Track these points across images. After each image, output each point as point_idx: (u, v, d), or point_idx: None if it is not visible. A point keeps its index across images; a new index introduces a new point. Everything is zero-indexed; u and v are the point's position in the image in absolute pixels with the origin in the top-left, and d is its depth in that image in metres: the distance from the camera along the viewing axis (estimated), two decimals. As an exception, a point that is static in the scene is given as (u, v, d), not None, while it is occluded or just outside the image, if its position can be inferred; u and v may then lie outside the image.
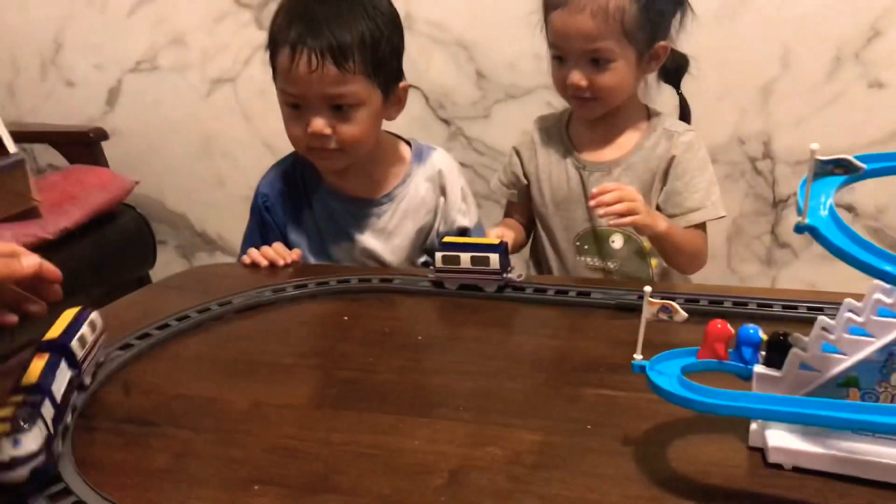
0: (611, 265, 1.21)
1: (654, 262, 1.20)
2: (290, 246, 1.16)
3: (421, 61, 1.68)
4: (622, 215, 1.02)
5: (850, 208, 1.55)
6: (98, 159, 1.89)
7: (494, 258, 0.94)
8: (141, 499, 0.58)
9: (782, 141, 1.53)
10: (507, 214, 1.31)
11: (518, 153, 1.27)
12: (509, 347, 0.83)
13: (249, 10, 1.80)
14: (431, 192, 1.21)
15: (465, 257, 0.94)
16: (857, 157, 0.53)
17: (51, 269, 0.74)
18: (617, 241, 1.19)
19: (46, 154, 2.07)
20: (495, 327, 0.88)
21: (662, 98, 1.25)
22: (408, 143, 1.24)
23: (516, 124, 1.62)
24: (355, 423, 0.68)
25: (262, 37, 1.78)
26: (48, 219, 1.60)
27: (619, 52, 1.11)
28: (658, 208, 1.19)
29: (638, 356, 0.59)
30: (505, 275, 0.94)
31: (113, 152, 1.93)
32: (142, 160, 1.99)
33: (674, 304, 0.57)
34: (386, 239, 1.19)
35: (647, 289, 0.58)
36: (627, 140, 1.20)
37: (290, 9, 1.09)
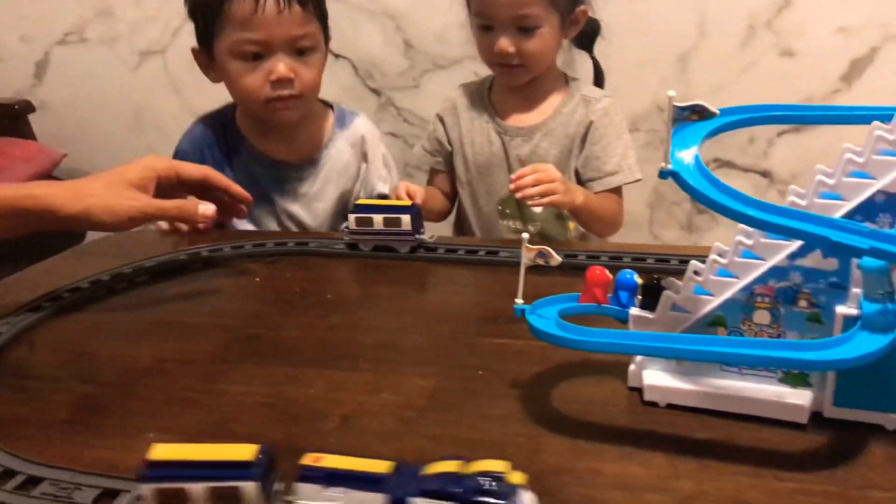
0: (532, 228, 1.24)
1: (571, 225, 1.24)
2: None
3: (349, 31, 1.69)
4: (542, 195, 1.05)
5: (765, 174, 1.60)
6: (25, 132, 1.87)
7: (406, 219, 0.95)
8: (34, 449, 0.59)
9: (700, 108, 1.56)
10: (431, 182, 1.33)
11: (442, 120, 1.29)
12: (415, 304, 0.85)
13: (176, -20, 1.78)
14: (353, 157, 1.22)
15: (378, 219, 0.96)
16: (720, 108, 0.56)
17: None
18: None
19: (-27, 128, 2.03)
20: (404, 286, 0.90)
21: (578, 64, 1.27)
22: (330, 106, 1.25)
23: (445, 94, 1.64)
24: (255, 376, 0.69)
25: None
26: (-28, 192, 1.58)
27: (544, 18, 1.14)
28: (577, 172, 1.22)
29: (519, 301, 0.62)
30: (417, 236, 0.96)
31: (42, 126, 1.91)
32: (72, 133, 1.96)
33: (548, 248, 0.60)
34: (308, 203, 1.20)
35: (525, 235, 0.60)
36: (547, 106, 1.23)
37: None
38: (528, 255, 0.60)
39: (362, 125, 1.25)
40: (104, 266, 0.92)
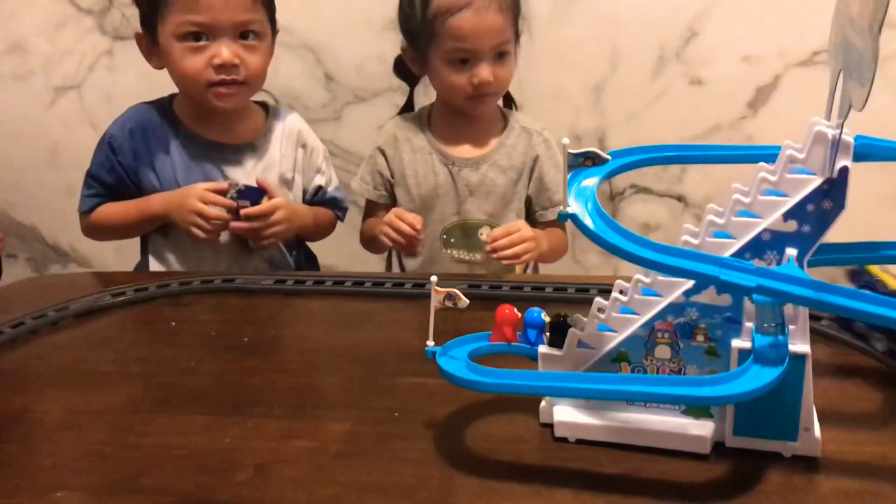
0: (477, 256, 1.25)
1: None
2: (139, 187, 1.17)
3: (270, 65, 1.68)
4: (517, 256, 1.13)
5: (680, 198, 1.65)
6: (-66, 171, 1.80)
7: None
8: (-67, 515, 0.57)
9: (616, 137, 1.61)
10: (369, 214, 1.33)
11: (383, 153, 1.29)
12: (333, 343, 0.85)
13: (90, 15, 1.75)
14: (290, 148, 1.25)
15: None
16: (609, 153, 0.58)
17: None
18: (485, 233, 1.24)
19: None
20: (323, 324, 0.90)
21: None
22: (262, 104, 1.28)
23: (367, 126, 1.65)
24: (168, 426, 0.68)
25: (105, 42, 1.77)
26: None
27: (513, 43, 1.19)
28: (528, 200, 1.26)
29: (430, 343, 0.62)
30: None
31: (-48, 164, 1.85)
32: (-15, 171, 1.91)
33: (457, 291, 0.61)
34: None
35: (434, 278, 0.61)
36: (488, 136, 1.26)
37: None
38: (436, 298, 0.61)
39: (298, 120, 1.28)
40: (11, 314, 0.90)
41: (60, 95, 1.83)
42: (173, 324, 0.90)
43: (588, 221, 0.57)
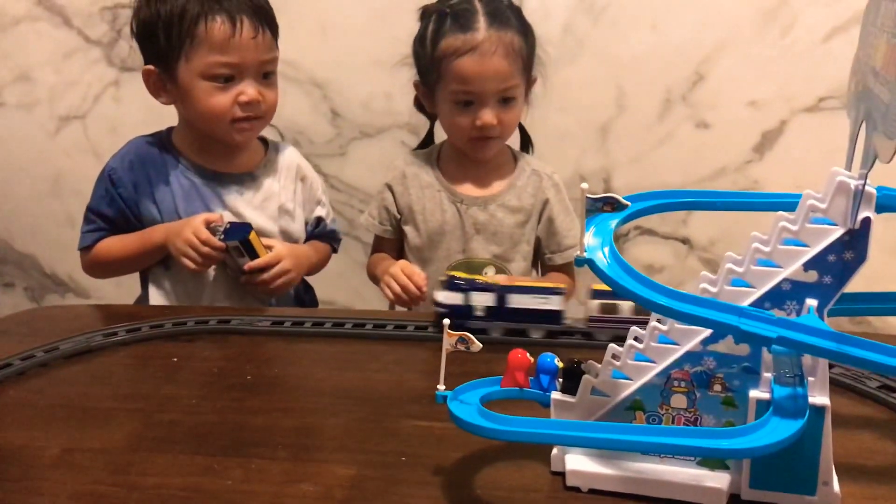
0: None
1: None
2: (140, 219, 1.18)
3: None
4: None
5: (685, 241, 1.65)
6: (-65, 199, 1.80)
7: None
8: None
9: (621, 178, 1.61)
10: (377, 250, 1.32)
11: (391, 189, 1.29)
12: (337, 384, 0.83)
13: (99, 46, 1.76)
14: (291, 181, 1.26)
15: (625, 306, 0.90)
16: (627, 197, 0.57)
17: None
18: (490, 272, 1.24)
19: None
20: (326, 364, 0.89)
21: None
22: (261, 138, 1.29)
23: (372, 162, 1.65)
24: (169, 466, 0.67)
25: (112, 74, 1.77)
26: None
27: (520, 87, 1.18)
28: (538, 242, 1.26)
29: (441, 387, 0.61)
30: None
31: (-47, 192, 1.85)
32: (-13, 199, 1.90)
33: (469, 335, 0.60)
34: (246, 218, 1.20)
35: (446, 322, 0.60)
36: (498, 176, 1.26)
37: None
38: (448, 341, 0.60)
39: (296, 154, 1.30)
40: (12, 347, 0.89)
41: (65, 125, 1.84)
42: (175, 360, 0.88)
43: (605, 267, 0.56)
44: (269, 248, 1.15)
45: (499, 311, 0.92)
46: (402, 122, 1.63)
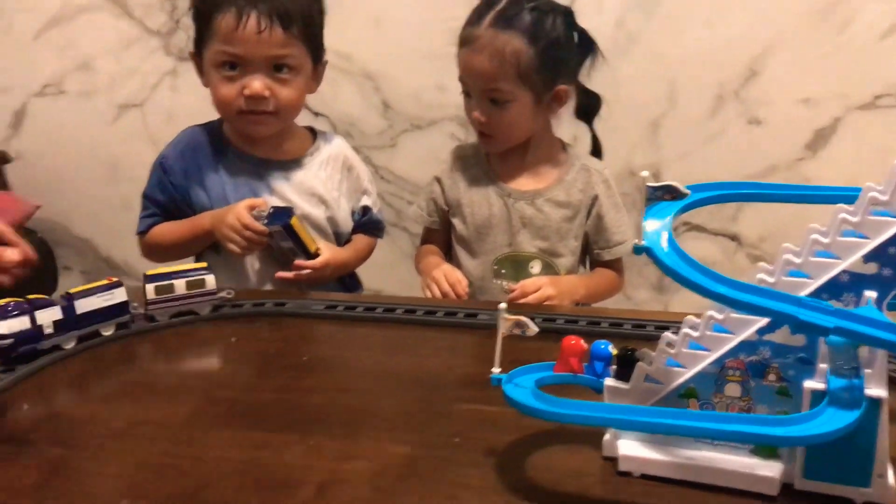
0: None
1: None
2: (191, 206, 1.21)
3: (328, 90, 1.71)
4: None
5: (734, 237, 1.64)
6: (0, 183, 1.86)
7: (210, 279, 0.97)
8: (2, 516, 0.58)
9: (670, 174, 1.60)
10: (425, 241, 1.35)
11: (440, 182, 1.30)
12: (390, 367, 0.85)
13: (158, 36, 1.80)
14: (337, 171, 1.27)
15: (180, 284, 0.96)
16: (687, 187, 0.58)
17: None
18: (536, 267, 1.25)
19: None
20: (380, 348, 0.91)
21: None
22: (310, 129, 1.31)
23: (422, 154, 1.67)
24: (229, 441, 0.69)
25: (170, 63, 1.81)
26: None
27: (514, 94, 1.16)
28: (587, 238, 1.26)
29: (496, 369, 0.62)
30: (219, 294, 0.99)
31: (17, 176, 1.91)
32: (47, 184, 1.96)
33: (525, 319, 0.61)
34: (292, 203, 1.22)
35: (502, 306, 0.61)
36: (547, 172, 1.26)
37: None
38: (505, 325, 0.61)
39: (343, 144, 1.31)
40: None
41: (123, 113, 1.89)
42: (234, 340, 0.91)
43: (664, 256, 0.56)
44: (316, 252, 1.17)
45: (69, 321, 0.87)
46: (452, 115, 1.64)
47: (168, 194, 1.22)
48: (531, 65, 1.15)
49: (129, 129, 1.88)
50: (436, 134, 1.68)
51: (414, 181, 1.70)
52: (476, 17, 1.16)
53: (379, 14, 1.65)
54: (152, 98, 1.85)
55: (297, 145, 1.26)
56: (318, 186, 1.25)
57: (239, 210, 1.13)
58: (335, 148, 1.29)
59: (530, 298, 1.13)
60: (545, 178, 1.26)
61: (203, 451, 0.67)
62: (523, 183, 1.26)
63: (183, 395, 0.78)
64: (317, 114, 1.74)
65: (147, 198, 1.24)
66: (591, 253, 1.30)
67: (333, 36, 1.67)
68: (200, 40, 1.16)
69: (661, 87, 1.58)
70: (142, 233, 1.25)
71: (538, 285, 1.15)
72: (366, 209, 1.33)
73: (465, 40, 1.16)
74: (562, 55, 1.18)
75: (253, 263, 1.22)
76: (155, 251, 1.25)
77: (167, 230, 1.23)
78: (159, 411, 0.74)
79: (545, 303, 1.13)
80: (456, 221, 1.28)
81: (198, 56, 1.19)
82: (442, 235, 1.33)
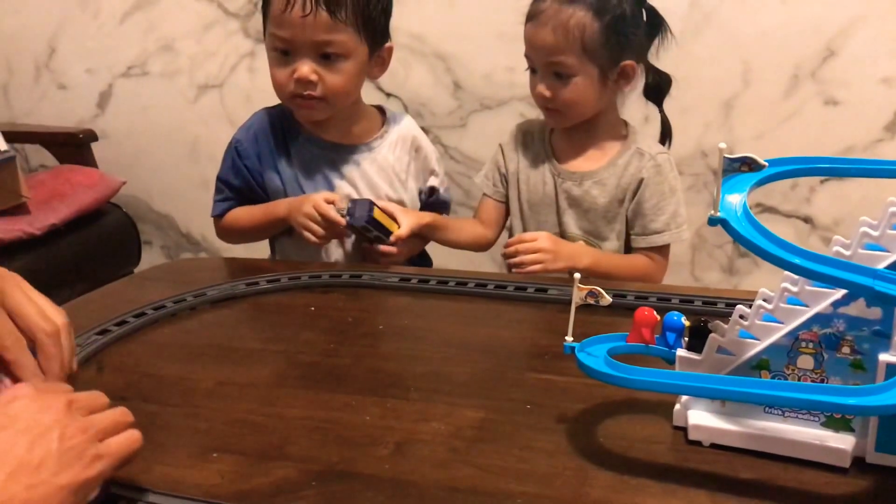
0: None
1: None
2: (265, 189, 1.23)
3: (400, 71, 1.74)
4: (522, 265, 1.14)
5: (807, 220, 1.61)
6: (87, 160, 1.94)
7: None
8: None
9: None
10: (480, 207, 1.36)
11: (503, 151, 1.32)
12: (463, 337, 0.87)
13: (237, 19, 1.85)
14: (406, 152, 1.28)
15: None
16: (765, 160, 0.58)
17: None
18: None
19: (39, 155, 2.13)
20: (452, 319, 0.93)
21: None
22: (379, 108, 1.32)
23: (491, 134, 1.67)
24: (311, 401, 0.72)
25: (248, 45, 1.86)
26: (36, 215, 1.65)
27: (578, 68, 1.16)
28: (627, 223, 1.24)
29: (569, 338, 0.64)
30: None
31: (102, 154, 1.99)
32: (130, 162, 2.04)
33: (599, 288, 0.62)
34: (362, 187, 1.24)
35: (577, 275, 0.63)
36: (602, 154, 1.25)
37: None
38: (579, 295, 0.63)
39: (412, 125, 1.32)
40: (163, 292, 0.96)
41: (203, 94, 1.95)
42: (312, 308, 0.94)
43: (740, 227, 0.57)
44: (391, 216, 1.17)
45: None
46: (522, 95, 1.65)
47: (242, 178, 1.24)
48: (596, 38, 1.14)
49: (208, 110, 1.94)
50: (505, 114, 1.69)
51: (483, 161, 1.71)
52: None
53: (453, -6, 1.67)
54: (231, 79, 1.90)
55: (367, 127, 1.27)
56: (387, 170, 1.26)
57: (315, 200, 1.14)
58: (404, 129, 1.30)
59: (521, 251, 1.14)
60: (599, 160, 1.25)
61: (286, 411, 0.71)
62: (577, 164, 1.26)
63: (266, 358, 0.82)
64: (388, 94, 1.77)
65: (221, 181, 1.26)
66: (629, 237, 1.26)
67: (407, 17, 1.70)
68: (264, 24, 1.18)
69: (735, 66, 1.56)
70: (217, 216, 1.27)
71: (535, 237, 1.16)
72: (433, 189, 1.34)
73: (531, 15, 1.17)
74: (628, 31, 1.17)
75: (327, 249, 1.24)
76: (230, 234, 1.29)
77: (242, 215, 1.25)
78: (244, 374, 0.78)
79: (529, 265, 1.14)
80: (512, 194, 1.30)
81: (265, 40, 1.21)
82: (498, 208, 1.33)
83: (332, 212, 1.13)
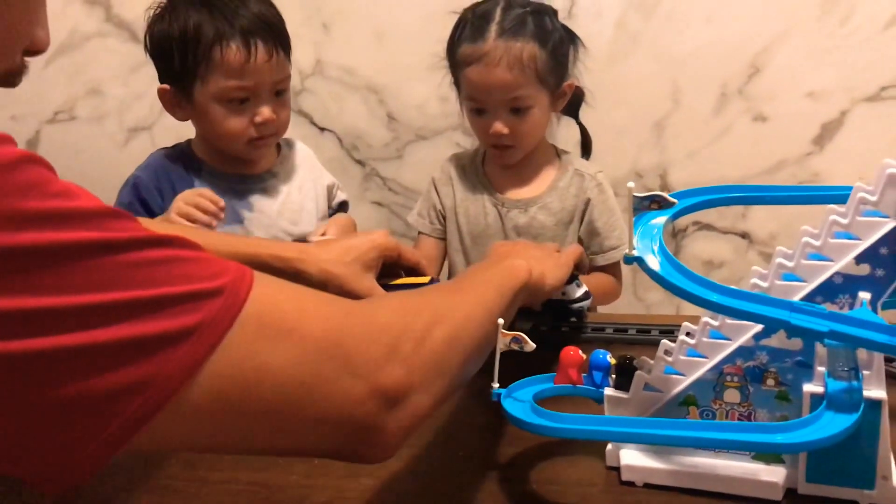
0: None
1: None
2: None
3: (333, 105, 1.72)
4: None
5: (744, 235, 1.63)
6: (15, 210, 1.88)
7: None
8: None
9: (677, 174, 1.60)
10: (417, 246, 1.33)
11: (436, 188, 1.31)
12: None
13: (164, 59, 1.82)
14: (308, 170, 1.29)
15: None
16: (674, 194, 0.58)
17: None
18: None
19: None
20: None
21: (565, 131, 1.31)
22: None
23: (428, 164, 1.66)
24: (236, 462, 0.70)
25: (177, 85, 1.83)
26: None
27: (535, 97, 1.16)
28: (582, 243, 1.24)
29: (495, 385, 0.63)
30: None
31: (31, 203, 1.93)
32: (61, 209, 1.98)
33: (523, 335, 0.61)
34: (271, 213, 1.23)
35: (500, 321, 0.62)
36: (541, 179, 1.25)
37: (191, 3, 1.10)
38: (503, 341, 0.61)
39: (305, 147, 1.32)
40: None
41: (133, 136, 1.90)
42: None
43: (655, 265, 0.56)
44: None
45: None
46: (456, 124, 1.65)
47: (135, 212, 1.20)
48: (546, 66, 1.15)
49: (139, 152, 1.87)
50: (441, 144, 1.68)
51: (421, 191, 1.71)
52: (476, 34, 1.15)
53: (380, 28, 1.65)
54: (161, 121, 1.86)
55: (267, 157, 1.25)
56: (293, 193, 1.25)
57: (197, 191, 1.10)
58: (300, 150, 1.30)
59: None
60: (539, 185, 1.25)
61: (209, 474, 0.68)
62: (517, 191, 1.25)
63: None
64: (322, 129, 1.75)
65: None
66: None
67: (337, 51, 1.69)
68: (186, 76, 1.12)
69: (664, 87, 1.57)
70: None
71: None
72: (341, 204, 1.34)
73: (473, 58, 1.14)
74: (565, 51, 1.19)
75: None
76: None
77: None
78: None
79: None
80: (450, 228, 1.29)
81: (178, 91, 1.15)
82: (437, 245, 1.32)
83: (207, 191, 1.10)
